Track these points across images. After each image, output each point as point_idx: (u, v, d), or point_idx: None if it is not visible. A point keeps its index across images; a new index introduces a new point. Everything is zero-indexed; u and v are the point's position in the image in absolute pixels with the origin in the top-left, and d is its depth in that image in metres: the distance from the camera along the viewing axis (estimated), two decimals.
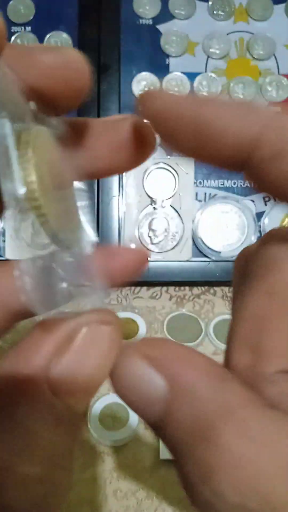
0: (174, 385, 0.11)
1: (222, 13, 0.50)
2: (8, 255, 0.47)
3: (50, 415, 0.12)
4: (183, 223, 0.48)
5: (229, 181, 0.49)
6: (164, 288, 0.51)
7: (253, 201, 0.49)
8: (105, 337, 0.13)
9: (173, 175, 0.48)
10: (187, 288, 0.51)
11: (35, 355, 0.12)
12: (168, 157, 0.49)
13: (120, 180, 0.48)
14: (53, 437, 0.12)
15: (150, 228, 0.47)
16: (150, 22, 0.50)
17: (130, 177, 0.48)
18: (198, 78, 0.49)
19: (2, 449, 0.11)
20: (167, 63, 0.50)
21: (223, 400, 0.11)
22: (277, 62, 0.51)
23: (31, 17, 0.50)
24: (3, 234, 0.47)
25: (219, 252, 0.48)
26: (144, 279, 0.47)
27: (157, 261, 0.47)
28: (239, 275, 0.16)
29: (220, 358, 0.44)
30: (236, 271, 0.17)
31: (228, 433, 0.10)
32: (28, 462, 0.12)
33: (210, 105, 0.13)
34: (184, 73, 0.50)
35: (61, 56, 0.13)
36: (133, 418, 0.43)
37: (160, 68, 0.50)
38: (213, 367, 0.12)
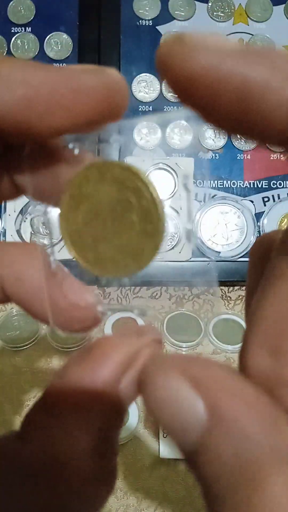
0: (215, 414, 0.10)
1: (222, 14, 0.51)
2: None
3: (115, 416, 0.13)
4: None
5: (229, 182, 0.49)
6: (164, 288, 0.51)
7: (252, 201, 0.49)
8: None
9: (173, 176, 0.48)
10: (186, 288, 0.51)
11: (103, 369, 0.13)
12: (168, 157, 0.49)
13: None
14: (115, 433, 0.13)
15: None
16: (150, 23, 0.50)
17: None
18: None
19: (82, 449, 0.12)
20: None
21: (275, 444, 0.10)
22: None
23: (32, 18, 0.50)
24: (3, 234, 0.48)
25: (219, 252, 0.48)
26: (144, 279, 0.48)
27: (156, 261, 0.48)
28: (257, 267, 0.15)
29: (219, 358, 0.45)
30: (252, 263, 0.16)
31: (278, 485, 0.09)
32: (103, 457, 0.13)
33: (263, 63, 0.10)
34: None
35: (102, 77, 0.13)
36: (133, 417, 0.44)
37: None
38: (264, 402, 0.11)
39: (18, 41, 0.50)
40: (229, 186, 0.49)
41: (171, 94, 0.51)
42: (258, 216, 0.49)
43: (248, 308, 0.14)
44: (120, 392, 0.13)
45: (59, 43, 0.50)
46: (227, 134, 0.12)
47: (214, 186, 0.49)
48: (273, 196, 0.49)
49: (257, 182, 0.49)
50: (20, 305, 0.15)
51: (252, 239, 0.48)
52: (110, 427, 0.13)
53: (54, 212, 0.15)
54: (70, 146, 0.14)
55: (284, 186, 0.49)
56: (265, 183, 0.49)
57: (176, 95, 0.11)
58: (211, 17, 0.51)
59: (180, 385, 0.11)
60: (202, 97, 0.10)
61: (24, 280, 0.14)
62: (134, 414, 0.44)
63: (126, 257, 0.14)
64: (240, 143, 0.49)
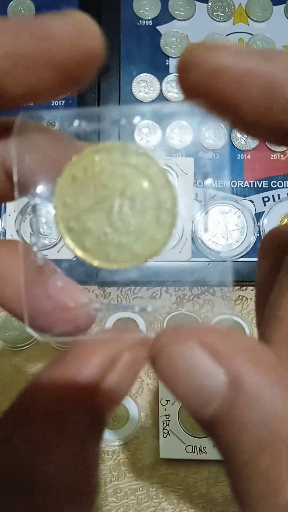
0: (237, 384, 0.10)
1: (222, 14, 0.51)
2: None
3: (94, 425, 0.12)
4: (182, 223, 0.48)
5: (229, 182, 0.49)
6: (164, 288, 0.51)
7: (252, 201, 0.49)
8: (141, 359, 0.13)
9: (173, 176, 0.48)
10: (187, 288, 0.51)
11: (79, 374, 0.12)
12: (168, 157, 0.49)
13: None
14: (95, 443, 0.12)
15: None
16: (150, 23, 0.50)
17: None
18: None
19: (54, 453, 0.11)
20: (167, 64, 0.50)
21: None
22: None
23: None
24: (3, 234, 0.48)
25: (219, 252, 0.48)
26: (144, 279, 0.47)
27: (157, 261, 0.48)
28: (268, 263, 0.14)
29: None
30: (262, 259, 0.15)
31: None
32: (83, 471, 0.12)
33: (283, 61, 0.10)
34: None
35: (69, 21, 0.11)
36: (133, 417, 0.44)
37: (160, 69, 0.50)
38: (285, 370, 0.10)
39: None
40: (229, 186, 0.49)
41: (171, 93, 0.51)
42: (258, 216, 0.49)
43: (259, 306, 0.14)
44: (98, 398, 0.12)
45: None
46: (248, 133, 0.12)
47: (214, 186, 0.49)
48: (273, 196, 0.49)
49: (257, 182, 0.49)
50: (2, 306, 0.14)
51: (252, 239, 0.48)
52: (89, 437, 0.12)
53: (43, 204, 0.14)
54: (76, 123, 0.13)
55: (284, 186, 0.49)
56: (265, 183, 0.49)
57: (199, 94, 0.11)
58: (211, 17, 0.51)
59: (197, 354, 0.10)
60: (227, 91, 0.10)
61: (6, 280, 0.13)
62: (135, 414, 0.44)
63: (133, 245, 0.13)
64: (240, 143, 0.49)
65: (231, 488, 0.10)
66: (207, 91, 0.11)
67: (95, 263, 0.13)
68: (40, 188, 0.13)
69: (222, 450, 0.10)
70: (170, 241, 0.13)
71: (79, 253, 0.13)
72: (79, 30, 0.11)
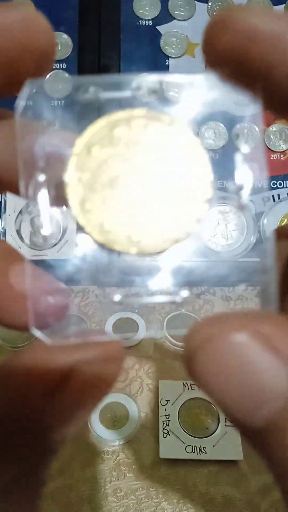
0: None
1: None
2: None
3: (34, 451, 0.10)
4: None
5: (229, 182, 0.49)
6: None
7: (252, 201, 0.49)
8: (109, 376, 0.11)
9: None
10: (187, 288, 0.51)
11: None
12: None
13: None
14: (41, 474, 0.11)
15: None
16: (150, 23, 0.50)
17: None
18: None
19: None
20: (167, 64, 0.50)
21: None
22: None
23: None
24: (4, 234, 0.48)
25: (219, 252, 0.48)
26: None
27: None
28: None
29: None
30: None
31: None
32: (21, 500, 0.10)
33: None
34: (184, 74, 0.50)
35: (17, 14, 0.10)
36: (133, 417, 0.44)
37: (160, 69, 0.50)
38: None
39: None
40: (230, 186, 0.49)
41: (172, 93, 0.51)
42: (258, 216, 0.49)
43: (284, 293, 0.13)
44: (47, 411, 0.10)
45: (59, 43, 0.50)
46: (276, 107, 0.11)
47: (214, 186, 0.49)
48: (273, 196, 0.49)
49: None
50: None
51: (252, 239, 0.48)
52: (34, 459, 0.10)
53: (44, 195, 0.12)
54: (91, 89, 0.12)
55: (284, 186, 0.49)
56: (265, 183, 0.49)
57: (230, 58, 0.10)
58: (211, 17, 0.51)
59: (252, 348, 0.08)
60: (262, 53, 0.10)
61: None
62: (135, 414, 0.44)
63: (161, 224, 0.11)
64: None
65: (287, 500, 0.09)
66: (240, 54, 0.10)
67: (117, 246, 0.11)
68: (44, 170, 0.11)
69: (278, 461, 0.09)
70: (204, 219, 0.11)
71: (97, 236, 0.11)
72: (26, 24, 0.10)
